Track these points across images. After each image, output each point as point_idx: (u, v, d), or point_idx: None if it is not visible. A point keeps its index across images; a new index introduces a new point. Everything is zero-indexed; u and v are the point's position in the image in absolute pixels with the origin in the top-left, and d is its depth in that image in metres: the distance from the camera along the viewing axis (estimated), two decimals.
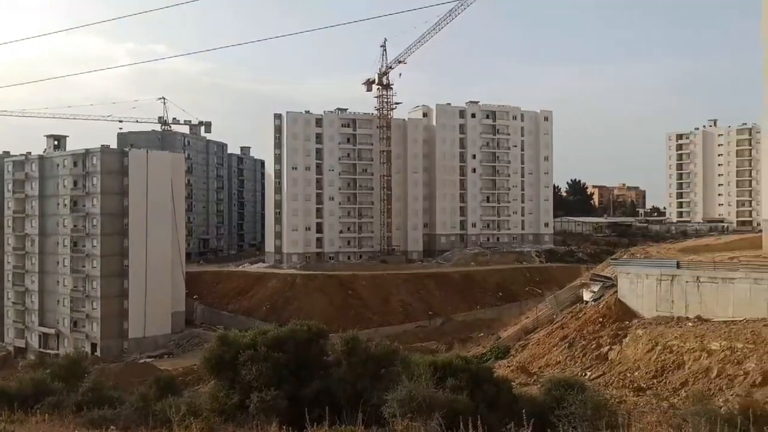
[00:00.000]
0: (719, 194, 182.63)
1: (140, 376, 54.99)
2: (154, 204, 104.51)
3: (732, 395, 26.43)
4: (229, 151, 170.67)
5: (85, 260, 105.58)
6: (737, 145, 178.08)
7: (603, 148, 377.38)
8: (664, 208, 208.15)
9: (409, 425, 13.29)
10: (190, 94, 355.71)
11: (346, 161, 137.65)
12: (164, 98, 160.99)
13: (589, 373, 34.69)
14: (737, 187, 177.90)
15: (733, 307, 35.73)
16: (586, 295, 47.41)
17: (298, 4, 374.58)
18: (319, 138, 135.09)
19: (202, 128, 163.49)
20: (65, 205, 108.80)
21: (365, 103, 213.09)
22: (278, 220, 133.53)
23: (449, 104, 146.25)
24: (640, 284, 41.05)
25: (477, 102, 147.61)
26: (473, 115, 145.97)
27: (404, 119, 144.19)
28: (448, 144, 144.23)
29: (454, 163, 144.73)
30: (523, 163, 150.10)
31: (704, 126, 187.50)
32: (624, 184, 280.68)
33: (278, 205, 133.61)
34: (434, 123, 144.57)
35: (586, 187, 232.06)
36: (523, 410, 13.41)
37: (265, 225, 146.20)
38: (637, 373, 32.43)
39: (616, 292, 43.21)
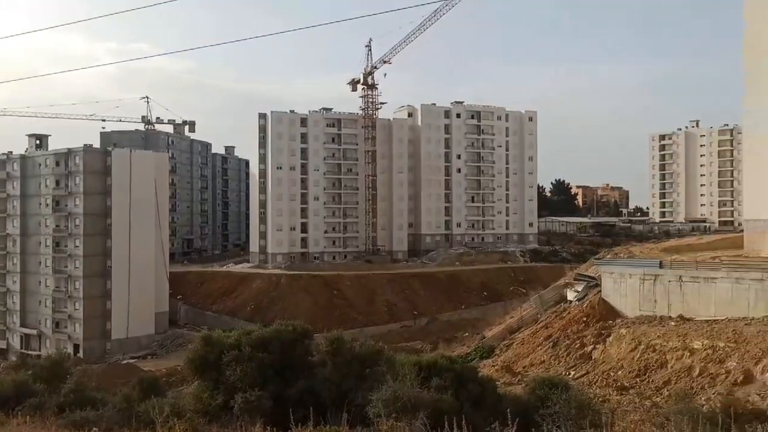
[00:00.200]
0: (701, 194, 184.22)
1: (123, 377, 54.65)
2: (137, 204, 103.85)
3: (714, 394, 26.65)
4: (213, 151, 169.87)
5: (68, 260, 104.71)
6: (719, 146, 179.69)
7: (587, 149, 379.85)
8: (647, 208, 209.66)
9: (394, 425, 13.29)
10: (174, 94, 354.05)
11: (331, 161, 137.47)
12: (148, 97, 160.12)
13: (573, 373, 34.85)
14: (719, 187, 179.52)
15: (715, 306, 36.04)
16: (570, 295, 47.62)
17: (282, 3, 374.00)
18: (304, 138, 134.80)
19: (186, 128, 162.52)
20: (47, 205, 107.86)
21: (350, 103, 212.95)
22: (263, 220, 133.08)
23: (434, 104, 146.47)
24: (623, 284, 41.30)
25: (462, 102, 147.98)
26: (458, 116, 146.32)
27: (389, 119, 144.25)
28: (433, 144, 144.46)
29: (439, 163, 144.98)
30: (507, 163, 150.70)
31: (686, 127, 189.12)
32: (608, 185, 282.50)
33: (263, 205, 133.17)
34: (419, 123, 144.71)
35: (570, 187, 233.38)
36: (508, 409, 13.44)
37: (249, 225, 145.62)
38: (620, 372, 32.62)
39: (600, 291, 43.44)
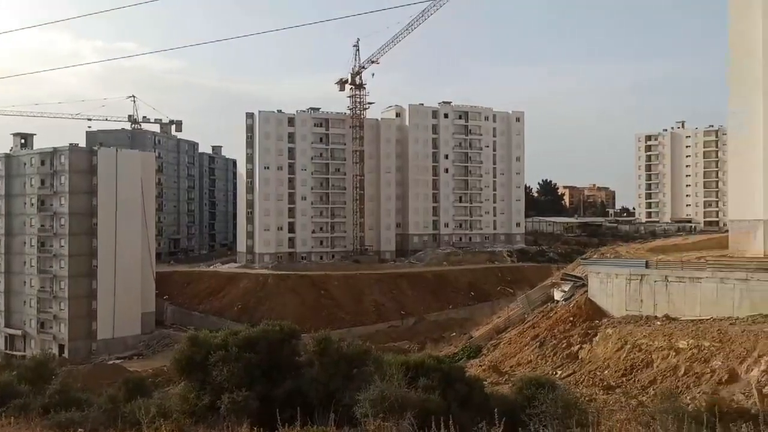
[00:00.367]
0: (687, 195, 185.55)
1: (109, 377, 54.35)
2: (123, 203, 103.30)
3: (699, 393, 26.82)
4: (200, 150, 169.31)
5: (53, 260, 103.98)
6: (704, 147, 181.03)
7: (574, 149, 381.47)
8: (634, 208, 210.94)
9: (381, 425, 13.27)
10: (161, 93, 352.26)
11: (319, 161, 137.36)
12: (134, 96, 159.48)
13: (559, 372, 34.98)
14: (704, 188, 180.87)
15: (700, 306, 36.27)
16: (557, 295, 47.79)
17: (270, 3, 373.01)
18: (291, 137, 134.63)
19: (173, 127, 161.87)
20: (32, 205, 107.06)
21: (338, 103, 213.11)
22: (250, 219, 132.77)
23: (422, 104, 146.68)
24: (609, 284, 41.49)
25: (450, 102, 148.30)
26: (446, 116, 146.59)
27: (377, 119, 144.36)
28: (420, 144, 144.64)
29: (427, 163, 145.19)
30: (495, 163, 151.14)
31: (672, 127, 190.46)
32: (594, 185, 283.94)
33: (250, 204, 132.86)
34: (407, 123, 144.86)
35: (557, 188, 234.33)
36: (495, 409, 13.46)
37: (237, 225, 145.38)
38: (606, 372, 32.77)
39: (587, 291, 43.61)
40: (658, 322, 36.05)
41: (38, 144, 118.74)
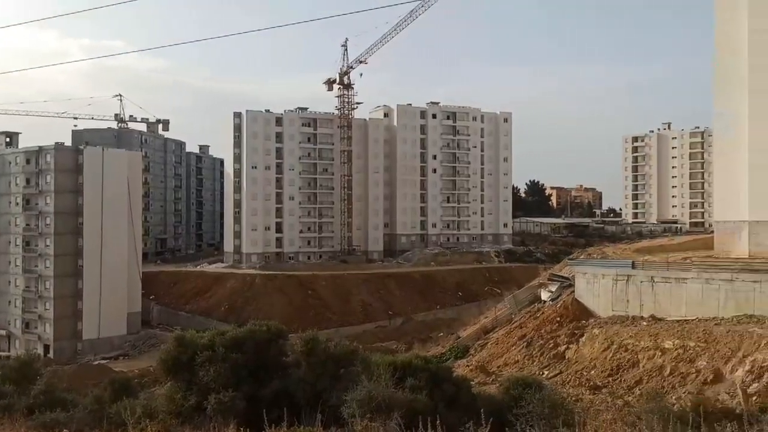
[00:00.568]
0: (673, 196, 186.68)
1: (95, 378, 53.97)
2: (109, 203, 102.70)
3: (684, 393, 27.00)
4: (187, 150, 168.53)
5: (38, 260, 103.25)
6: (690, 148, 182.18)
7: (561, 150, 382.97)
8: (620, 209, 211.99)
9: (369, 425, 13.26)
10: (148, 92, 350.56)
11: (307, 161, 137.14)
12: (120, 95, 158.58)
13: (546, 372, 35.09)
14: (690, 189, 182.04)
15: (686, 306, 36.49)
16: (544, 295, 47.95)
17: (258, 2, 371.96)
18: (279, 137, 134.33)
19: (160, 126, 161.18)
20: (17, 204, 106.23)
21: (326, 103, 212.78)
22: (237, 219, 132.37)
23: (410, 105, 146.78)
24: (596, 284, 41.66)
25: (438, 103, 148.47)
26: (434, 116, 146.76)
27: (365, 119, 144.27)
28: (409, 144, 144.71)
29: (415, 163, 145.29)
30: (482, 163, 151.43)
31: (659, 129, 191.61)
32: (581, 186, 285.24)
33: (237, 204, 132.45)
34: (395, 123, 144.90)
35: (545, 188, 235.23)
36: (482, 409, 13.49)
37: (224, 224, 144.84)
38: (593, 372, 32.91)
39: (574, 291, 43.78)
40: (644, 323, 36.25)
41: (24, 143, 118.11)
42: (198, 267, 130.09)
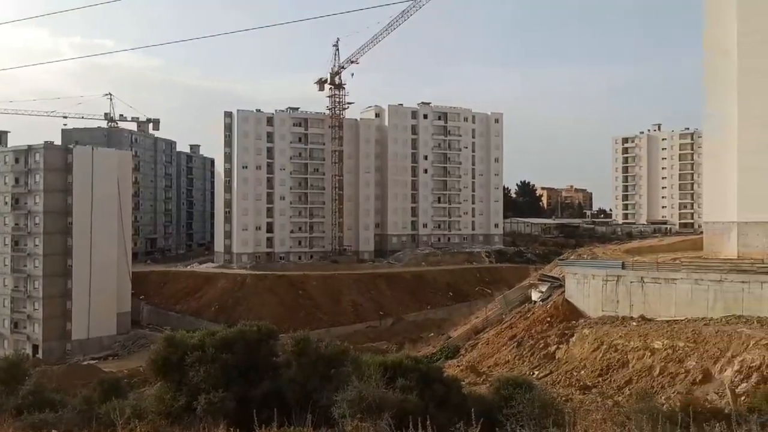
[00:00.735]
0: (663, 197, 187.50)
1: (84, 378, 53.72)
2: (99, 202, 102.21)
3: (674, 393, 27.15)
4: (178, 149, 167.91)
5: (27, 259, 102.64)
6: (680, 149, 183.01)
7: (552, 151, 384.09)
8: (611, 209, 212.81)
9: (359, 425, 13.26)
10: (138, 91, 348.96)
11: (298, 161, 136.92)
12: (111, 94, 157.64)
13: (536, 372, 35.20)
14: (680, 189, 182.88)
15: (675, 306, 36.69)
16: (535, 295, 48.12)
17: (249, 1, 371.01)
18: (270, 137, 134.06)
19: (150, 125, 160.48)
20: (6, 203, 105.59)
21: (317, 103, 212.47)
22: (228, 219, 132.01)
23: (401, 105, 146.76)
24: (586, 284, 41.82)
25: (429, 103, 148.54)
26: (425, 116, 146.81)
27: (356, 119, 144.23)
28: (400, 144, 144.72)
29: (406, 163, 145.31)
30: (473, 164, 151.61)
31: (649, 130, 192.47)
32: (572, 186, 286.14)
33: (228, 204, 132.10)
34: (386, 123, 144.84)
35: (535, 189, 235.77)
36: (472, 409, 13.51)
37: (214, 224, 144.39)
38: (583, 372, 33.04)
39: (564, 292, 43.94)
40: (634, 323, 36.42)
41: (12, 142, 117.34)
42: (188, 267, 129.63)
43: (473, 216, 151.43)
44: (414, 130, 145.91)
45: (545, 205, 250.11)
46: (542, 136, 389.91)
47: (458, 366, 40.20)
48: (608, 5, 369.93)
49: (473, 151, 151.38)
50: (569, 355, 35.90)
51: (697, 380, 28.21)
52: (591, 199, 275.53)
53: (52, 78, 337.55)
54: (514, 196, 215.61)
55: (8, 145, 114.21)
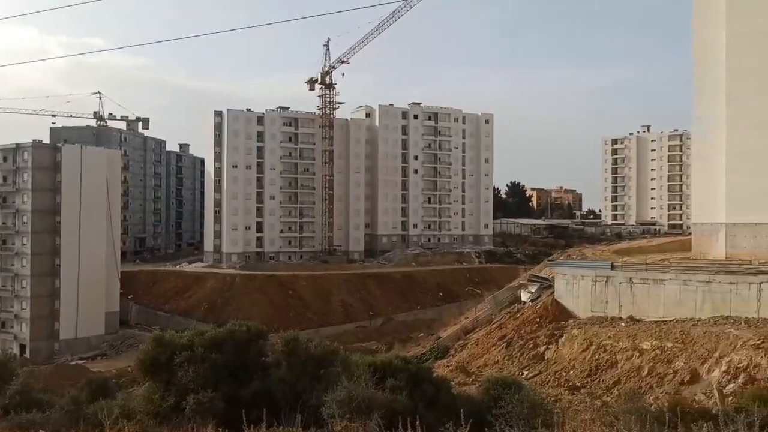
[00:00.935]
0: (652, 198, 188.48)
1: (72, 378, 53.39)
2: (88, 201, 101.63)
3: (662, 393, 27.27)
4: (167, 148, 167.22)
5: (14, 259, 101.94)
6: (669, 151, 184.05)
7: (542, 152, 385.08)
8: (600, 210, 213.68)
9: (348, 426, 13.25)
10: (127, 90, 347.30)
11: (288, 160, 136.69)
12: (100, 93, 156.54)
13: (526, 373, 35.29)
14: (669, 191, 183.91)
15: (664, 307, 36.88)
16: (524, 296, 48.25)
17: (241, 0, 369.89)
18: (260, 136, 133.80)
19: (140, 124, 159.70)
20: None
21: (308, 103, 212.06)
22: (218, 219, 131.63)
23: (392, 105, 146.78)
24: (575, 285, 41.97)
25: (419, 103, 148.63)
26: (416, 117, 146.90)
27: (347, 119, 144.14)
28: (390, 145, 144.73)
29: (397, 163, 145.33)
30: (464, 164, 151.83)
31: (638, 131, 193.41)
32: (561, 187, 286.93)
33: (218, 203, 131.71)
34: (377, 123, 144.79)
35: (525, 190, 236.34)
36: (462, 409, 13.51)
37: (204, 224, 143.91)
38: (572, 372, 33.15)
39: (553, 292, 44.07)
40: (623, 323, 36.57)
41: (1, 140, 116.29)
42: (177, 266, 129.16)
43: (463, 216, 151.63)
44: (404, 130, 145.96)
45: (535, 206, 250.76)
46: (532, 136, 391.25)
47: (448, 366, 40.24)
48: (597, 7, 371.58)
49: (463, 151, 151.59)
50: (558, 355, 36.01)
51: (685, 381, 28.37)
52: (580, 199, 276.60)
53: (41, 76, 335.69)
54: (504, 196, 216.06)
55: None
